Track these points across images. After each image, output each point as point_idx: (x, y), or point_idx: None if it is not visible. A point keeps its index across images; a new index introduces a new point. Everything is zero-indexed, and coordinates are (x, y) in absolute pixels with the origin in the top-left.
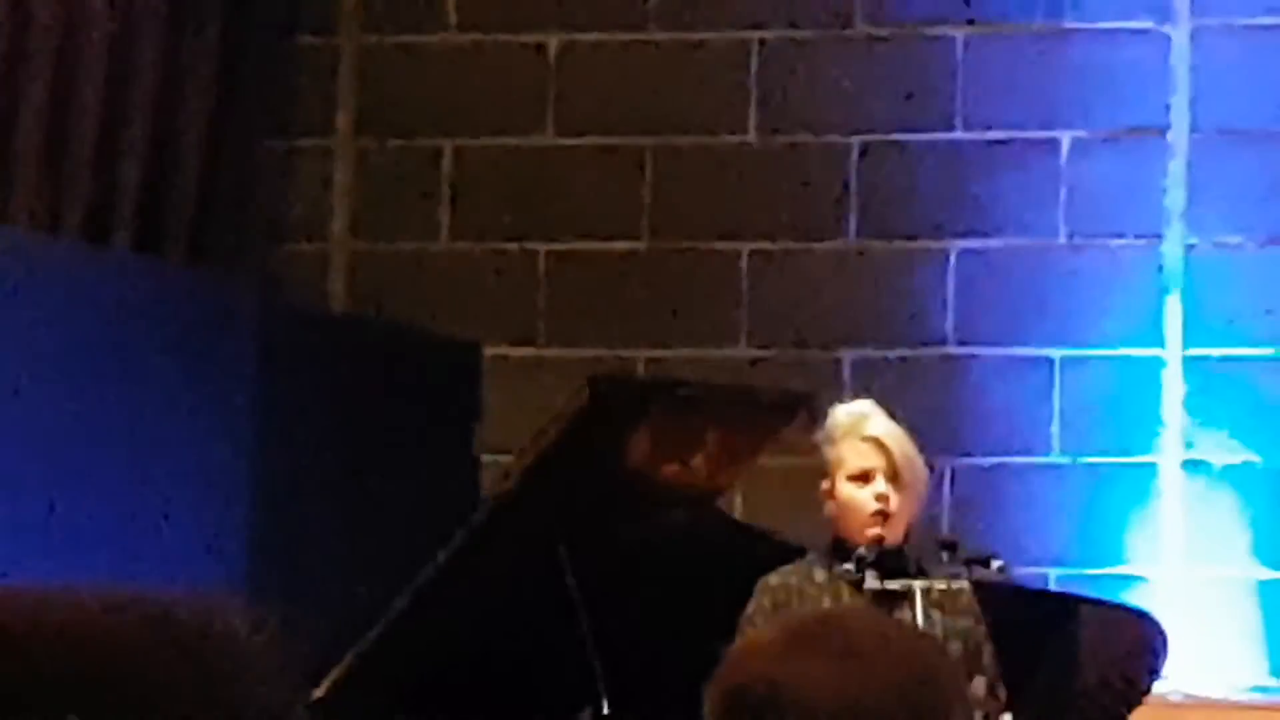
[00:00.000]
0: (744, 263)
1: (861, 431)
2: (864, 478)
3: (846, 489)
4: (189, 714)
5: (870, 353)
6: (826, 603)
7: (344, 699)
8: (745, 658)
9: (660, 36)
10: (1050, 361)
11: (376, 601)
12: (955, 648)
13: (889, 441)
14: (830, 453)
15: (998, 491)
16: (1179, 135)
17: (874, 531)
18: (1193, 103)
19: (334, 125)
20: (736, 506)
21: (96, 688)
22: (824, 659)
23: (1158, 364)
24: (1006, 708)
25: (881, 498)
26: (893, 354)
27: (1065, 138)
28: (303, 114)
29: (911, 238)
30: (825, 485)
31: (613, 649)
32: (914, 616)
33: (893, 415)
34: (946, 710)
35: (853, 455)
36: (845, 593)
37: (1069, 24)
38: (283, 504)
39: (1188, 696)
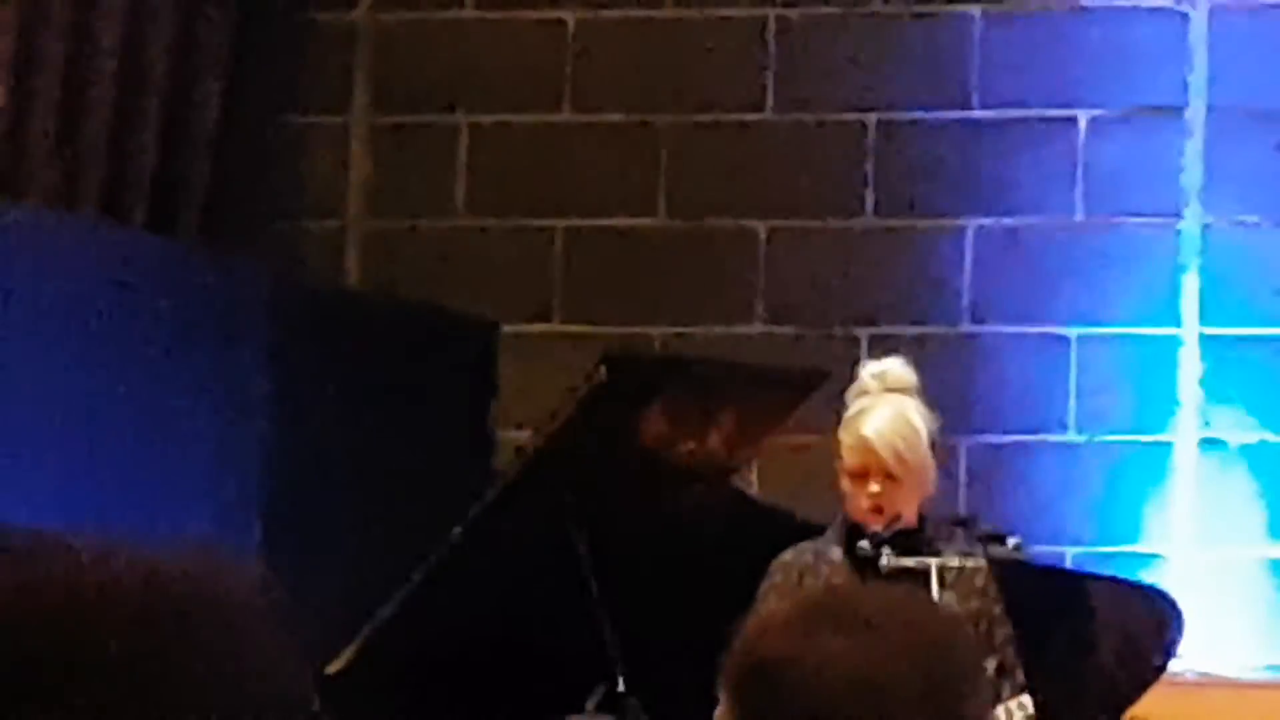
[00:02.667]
0: (761, 240)
1: (859, 429)
2: (859, 475)
3: (844, 482)
4: (181, 686)
5: (887, 330)
6: (841, 580)
7: (357, 675)
8: (761, 634)
9: (678, 13)
10: (1066, 340)
11: (391, 579)
12: (969, 626)
13: (881, 446)
14: (840, 433)
15: (1013, 469)
16: (1196, 114)
17: (874, 527)
18: (1210, 82)
19: (350, 102)
20: (752, 483)
21: (77, 649)
22: (839, 634)
23: (1174, 343)
24: (1024, 689)
25: (875, 495)
26: (909, 331)
27: (1083, 116)
28: (318, 91)
29: (928, 216)
30: (839, 463)
31: (627, 626)
32: (929, 595)
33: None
34: (962, 683)
35: (848, 452)
36: (860, 571)
37: (1087, 2)
38: (297, 481)
39: (1202, 675)
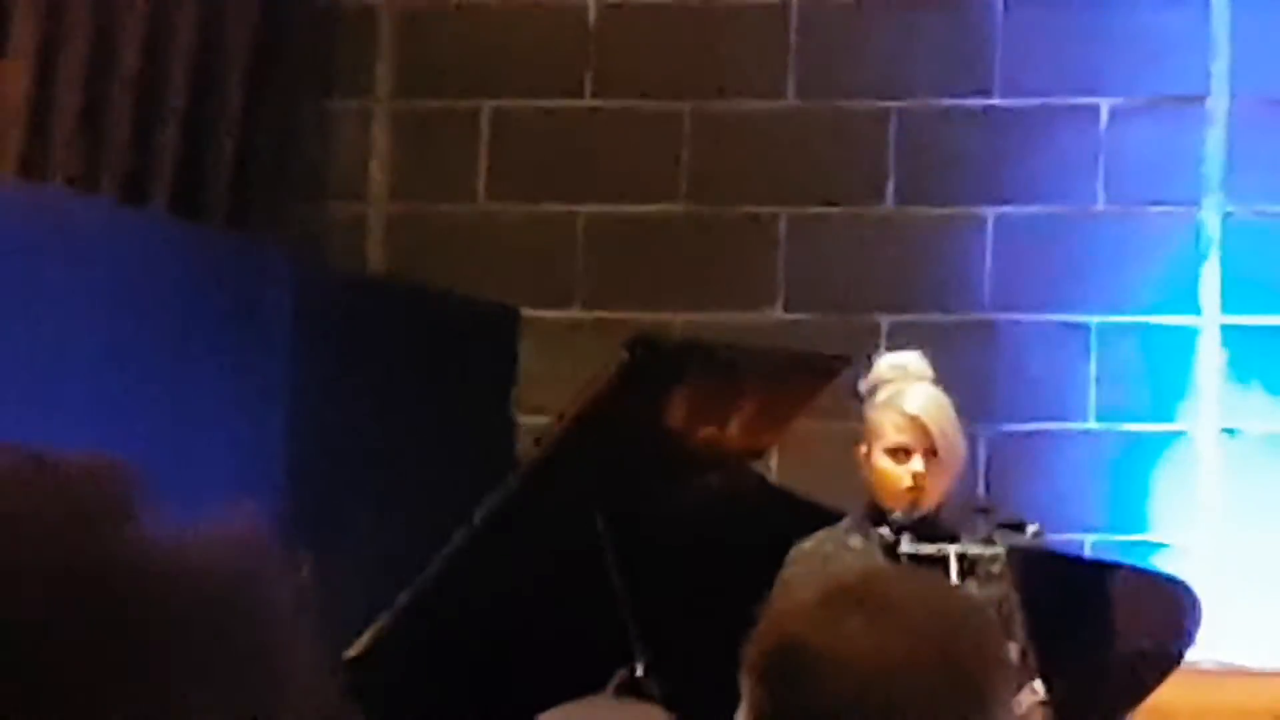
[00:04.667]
0: (782, 227)
1: (903, 405)
2: (901, 452)
3: (883, 461)
4: (205, 675)
5: (907, 318)
6: (863, 566)
7: (379, 659)
8: (782, 619)
9: (700, 0)
10: (1087, 328)
11: (411, 564)
12: (990, 612)
13: (929, 421)
14: (870, 417)
15: (1034, 458)
16: (1218, 103)
17: (905, 505)
18: (1232, 71)
19: (373, 87)
20: (771, 470)
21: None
22: (860, 619)
23: (1194, 332)
24: (1037, 674)
25: (917, 475)
26: (930, 319)
27: (1104, 105)
28: (341, 76)
29: (949, 204)
30: (862, 449)
31: (648, 610)
32: (950, 582)
33: (935, 372)
34: (983, 669)
35: (891, 429)
36: (880, 557)
37: None
38: (319, 467)
39: (1221, 664)
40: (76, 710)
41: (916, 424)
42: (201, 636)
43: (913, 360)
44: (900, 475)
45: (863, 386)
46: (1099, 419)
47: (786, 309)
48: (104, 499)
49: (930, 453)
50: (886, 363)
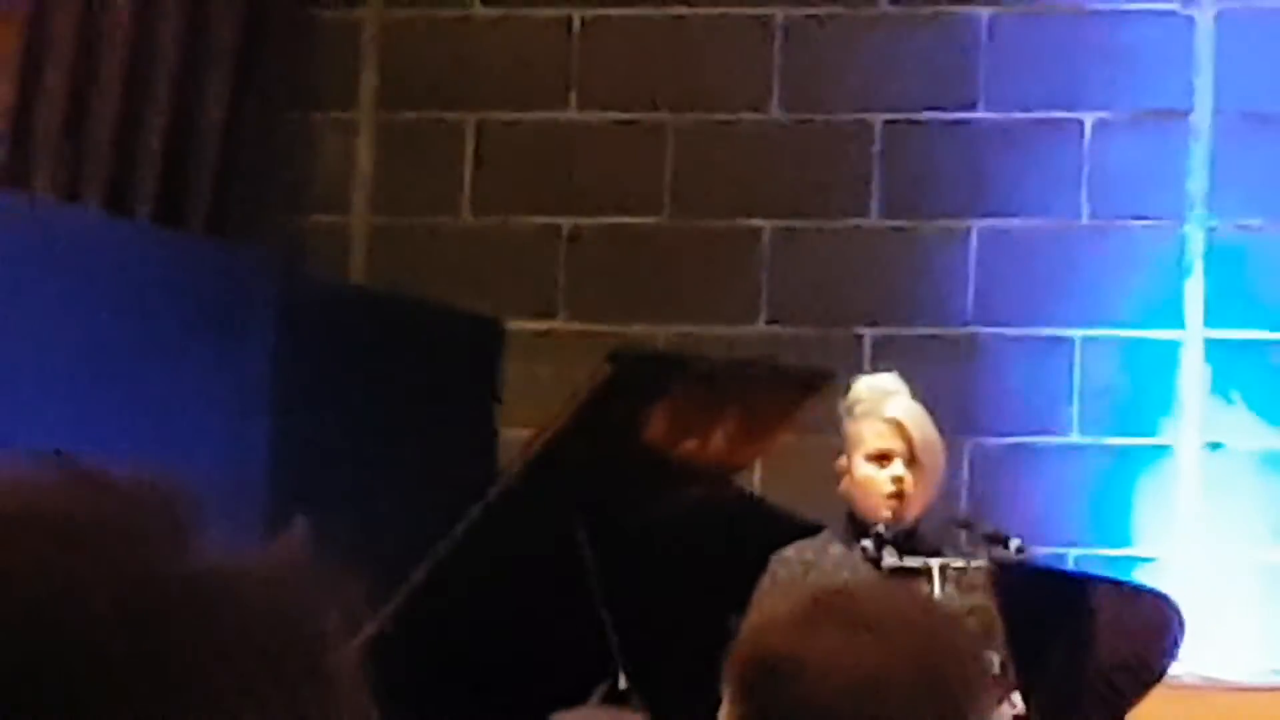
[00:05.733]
0: (765, 240)
1: (882, 412)
2: (882, 458)
3: (864, 469)
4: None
5: (891, 331)
6: (843, 578)
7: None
8: (763, 631)
9: (683, 12)
10: (1070, 342)
11: (393, 575)
12: (971, 624)
13: (910, 425)
14: (850, 429)
15: (1016, 471)
16: (1202, 117)
17: (888, 513)
18: (1216, 85)
19: (356, 98)
20: (755, 483)
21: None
22: (841, 630)
23: (1178, 346)
24: (1015, 687)
25: (898, 480)
26: (913, 333)
27: (1088, 119)
28: (325, 87)
29: (933, 217)
30: (842, 462)
31: (630, 623)
32: (931, 594)
33: (913, 391)
34: (964, 681)
35: (872, 435)
36: (861, 569)
37: (1093, 5)
38: (301, 477)
39: (1204, 679)
40: None
41: (897, 428)
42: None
43: (890, 380)
44: (881, 480)
45: (841, 407)
46: (1082, 433)
47: (770, 322)
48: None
49: (911, 460)
50: (864, 383)
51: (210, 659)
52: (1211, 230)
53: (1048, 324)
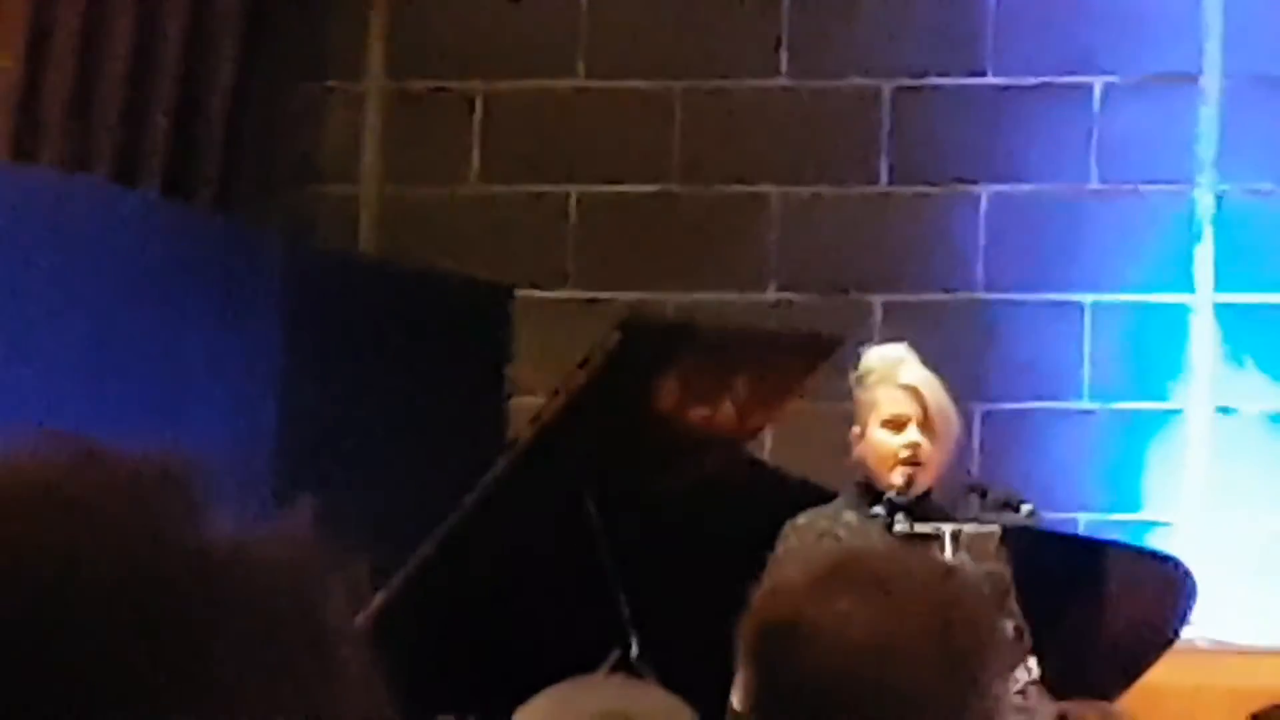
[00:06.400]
0: (775, 207)
1: (897, 378)
2: (897, 424)
3: (878, 434)
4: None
5: (901, 297)
6: (857, 543)
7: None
8: (776, 596)
9: None
10: (1080, 307)
11: (404, 546)
12: (984, 590)
13: (924, 390)
14: (863, 397)
15: (1027, 437)
16: (1211, 81)
17: (901, 479)
18: (1225, 49)
19: (365, 68)
20: (766, 450)
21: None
22: (853, 596)
23: (1188, 310)
24: (1030, 652)
25: (913, 445)
26: (923, 299)
27: (1098, 83)
28: (334, 57)
29: (942, 183)
30: (856, 430)
31: (641, 590)
32: (945, 558)
33: (923, 360)
34: (976, 644)
35: (887, 401)
36: (875, 535)
37: None
38: (311, 448)
39: (1215, 643)
40: (136, 707)
41: (913, 394)
42: (258, 634)
43: (900, 350)
44: (896, 446)
45: (852, 378)
46: (1092, 398)
47: (779, 289)
48: (164, 495)
49: (926, 426)
50: (876, 353)
51: (217, 631)
52: (1221, 194)
53: (1058, 289)
